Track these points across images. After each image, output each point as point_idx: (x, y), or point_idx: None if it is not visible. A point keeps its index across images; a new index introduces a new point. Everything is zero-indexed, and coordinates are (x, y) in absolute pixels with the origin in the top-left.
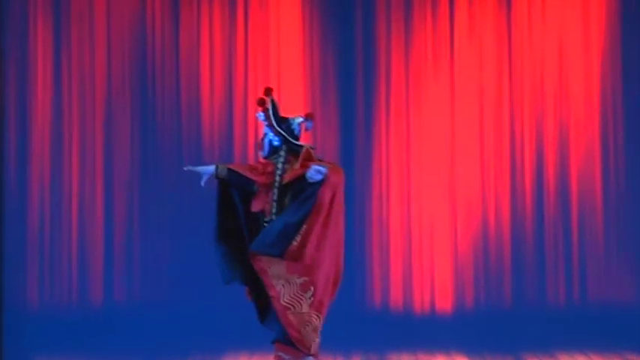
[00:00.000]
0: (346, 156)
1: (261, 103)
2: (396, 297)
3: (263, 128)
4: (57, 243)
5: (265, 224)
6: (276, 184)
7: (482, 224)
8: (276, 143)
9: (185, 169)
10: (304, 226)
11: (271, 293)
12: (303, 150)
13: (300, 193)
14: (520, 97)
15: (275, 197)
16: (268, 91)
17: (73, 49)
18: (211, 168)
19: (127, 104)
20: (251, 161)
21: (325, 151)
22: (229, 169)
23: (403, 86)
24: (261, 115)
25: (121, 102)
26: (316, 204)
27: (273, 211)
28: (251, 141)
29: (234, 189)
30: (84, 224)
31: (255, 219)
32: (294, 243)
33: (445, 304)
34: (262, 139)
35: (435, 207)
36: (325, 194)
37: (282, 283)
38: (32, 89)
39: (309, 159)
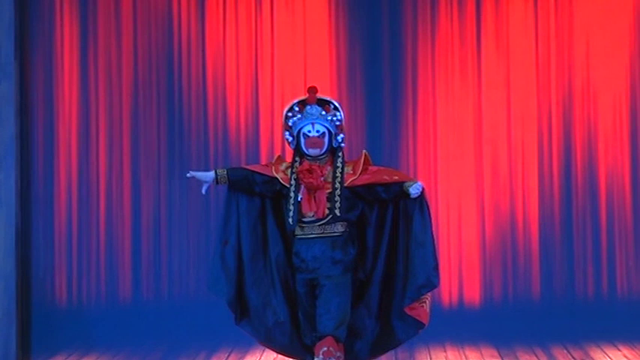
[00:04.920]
0: (373, 151)
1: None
2: None
3: (313, 123)
4: (85, 239)
5: (304, 225)
6: (338, 186)
7: (510, 217)
8: (343, 145)
9: (188, 175)
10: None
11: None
12: (364, 154)
13: (372, 200)
14: (547, 91)
15: (338, 199)
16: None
17: (99, 44)
18: (211, 174)
19: (153, 100)
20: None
21: (352, 146)
22: (230, 170)
23: (430, 82)
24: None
25: (147, 97)
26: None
27: (337, 212)
28: (277, 137)
29: (240, 193)
30: (111, 220)
31: (254, 227)
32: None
33: (473, 296)
34: (311, 136)
35: (462, 200)
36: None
37: None
38: (59, 84)
39: (368, 164)
